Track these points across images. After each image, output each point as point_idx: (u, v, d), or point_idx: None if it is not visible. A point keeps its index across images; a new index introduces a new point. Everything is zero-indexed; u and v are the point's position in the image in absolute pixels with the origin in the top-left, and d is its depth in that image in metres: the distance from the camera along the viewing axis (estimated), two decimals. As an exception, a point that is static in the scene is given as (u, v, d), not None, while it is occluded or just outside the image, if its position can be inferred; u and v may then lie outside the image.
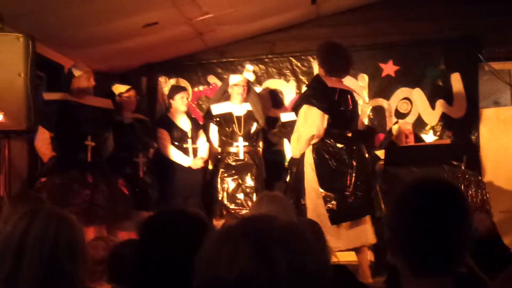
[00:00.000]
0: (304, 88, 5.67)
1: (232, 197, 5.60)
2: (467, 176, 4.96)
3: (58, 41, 5.12)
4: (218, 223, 5.39)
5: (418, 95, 6.25)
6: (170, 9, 5.05)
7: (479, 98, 6.18)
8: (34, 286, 1.54)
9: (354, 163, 4.63)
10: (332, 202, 4.58)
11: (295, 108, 4.91)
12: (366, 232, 4.67)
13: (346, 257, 4.63)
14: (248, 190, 5.60)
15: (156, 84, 6.61)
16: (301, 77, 6.46)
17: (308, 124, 4.63)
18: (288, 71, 6.51)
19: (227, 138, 5.81)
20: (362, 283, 3.01)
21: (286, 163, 5.48)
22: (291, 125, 5.16)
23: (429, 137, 6.17)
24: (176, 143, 5.75)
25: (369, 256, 4.85)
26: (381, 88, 6.34)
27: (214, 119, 5.89)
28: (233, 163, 5.70)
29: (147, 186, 5.46)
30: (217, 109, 5.90)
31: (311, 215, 4.48)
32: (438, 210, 1.41)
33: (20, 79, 3.57)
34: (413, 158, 5.13)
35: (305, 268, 1.05)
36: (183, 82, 6.56)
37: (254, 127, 5.84)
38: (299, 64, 6.47)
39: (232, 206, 5.56)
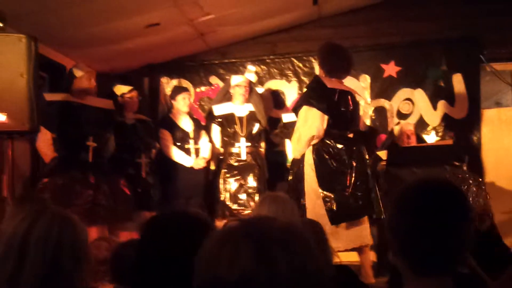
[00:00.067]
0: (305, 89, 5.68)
1: (234, 197, 5.60)
2: (467, 176, 4.95)
3: (58, 41, 5.13)
4: (220, 223, 5.39)
5: (420, 96, 6.25)
6: (171, 10, 5.05)
7: (480, 99, 6.18)
8: (37, 286, 1.54)
9: (354, 164, 4.64)
10: (332, 202, 4.58)
11: (295, 109, 4.92)
12: (364, 232, 4.67)
13: (348, 258, 4.63)
14: (250, 190, 5.61)
15: (158, 84, 6.63)
16: (303, 77, 6.46)
17: (308, 125, 4.64)
18: (290, 72, 6.52)
19: (229, 139, 5.82)
20: (364, 283, 3.02)
21: (288, 164, 5.49)
22: (293, 125, 5.15)
23: (431, 138, 6.16)
24: (178, 144, 5.76)
25: (372, 256, 4.86)
26: (383, 88, 6.34)
27: (216, 120, 5.90)
28: (235, 164, 5.71)
29: (150, 187, 5.47)
30: (219, 109, 5.90)
31: (310, 215, 4.49)
32: (438, 210, 1.41)
33: (23, 79, 3.57)
34: (415, 158, 5.12)
35: (305, 268, 1.05)
36: (185, 83, 6.57)
37: (256, 127, 5.85)
38: (300, 65, 6.48)
39: (234, 207, 5.57)
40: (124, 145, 5.34)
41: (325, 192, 4.61)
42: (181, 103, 5.85)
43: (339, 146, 4.67)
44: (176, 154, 5.71)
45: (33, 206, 1.74)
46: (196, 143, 5.82)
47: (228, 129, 5.82)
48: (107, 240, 3.27)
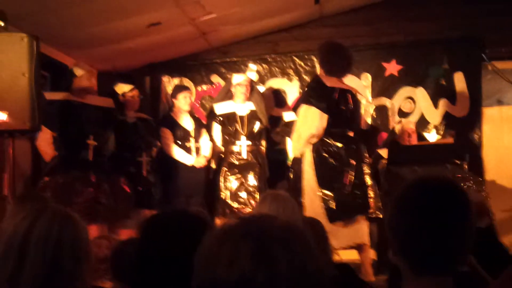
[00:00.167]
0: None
1: (235, 196, 5.60)
2: (467, 176, 4.95)
3: (59, 41, 5.13)
4: (220, 222, 5.40)
5: (421, 94, 6.25)
6: (173, 9, 5.05)
7: (482, 97, 6.17)
8: (37, 286, 1.54)
9: (353, 163, 4.64)
10: (330, 201, 4.59)
11: (296, 108, 4.93)
12: (361, 231, 4.68)
13: (348, 256, 4.64)
14: (251, 189, 5.61)
15: (159, 83, 6.63)
16: (304, 76, 6.45)
17: (308, 124, 4.64)
18: (291, 71, 6.51)
19: (230, 137, 5.82)
20: (364, 281, 3.03)
21: (289, 162, 5.49)
22: (294, 124, 5.17)
23: (432, 136, 6.16)
24: (179, 142, 5.76)
25: (372, 254, 4.86)
26: (384, 87, 6.34)
27: (217, 119, 5.90)
28: (236, 162, 5.71)
29: (151, 185, 5.47)
30: (220, 108, 5.91)
31: (308, 213, 4.49)
32: (438, 210, 1.40)
33: (24, 78, 3.58)
34: (416, 157, 5.13)
35: (305, 268, 1.05)
36: (187, 82, 6.58)
37: (257, 126, 5.85)
38: (302, 64, 6.48)
39: (235, 205, 5.57)
40: (125, 144, 5.35)
41: (324, 191, 4.61)
42: (182, 102, 5.85)
43: (339, 144, 4.67)
44: (177, 153, 5.71)
45: (33, 205, 1.74)
46: (197, 141, 5.82)
47: (229, 127, 5.82)
48: (108, 238, 3.27)
